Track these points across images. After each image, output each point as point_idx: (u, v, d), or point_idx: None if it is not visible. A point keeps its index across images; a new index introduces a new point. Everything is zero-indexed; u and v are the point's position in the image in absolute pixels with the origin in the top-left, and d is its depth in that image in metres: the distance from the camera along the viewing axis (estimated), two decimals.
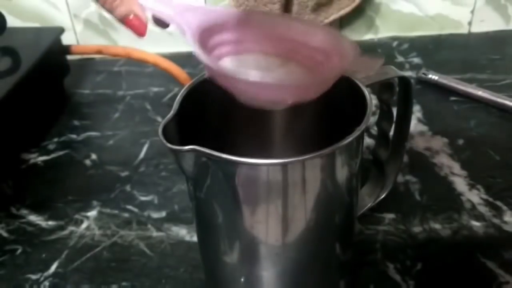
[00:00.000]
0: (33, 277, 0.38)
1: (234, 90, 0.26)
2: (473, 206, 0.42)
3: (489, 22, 0.70)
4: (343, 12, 0.64)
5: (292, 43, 0.29)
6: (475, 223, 0.40)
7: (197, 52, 0.25)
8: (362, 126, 0.26)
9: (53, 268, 0.39)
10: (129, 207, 0.44)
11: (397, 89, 0.34)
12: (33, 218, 0.43)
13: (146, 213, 0.43)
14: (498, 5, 0.68)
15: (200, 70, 0.64)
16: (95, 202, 0.45)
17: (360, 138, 0.28)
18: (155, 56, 0.57)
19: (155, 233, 0.41)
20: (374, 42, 0.70)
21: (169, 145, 0.26)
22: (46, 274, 0.38)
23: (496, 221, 0.40)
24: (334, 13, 0.64)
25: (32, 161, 0.50)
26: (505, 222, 0.40)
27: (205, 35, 0.28)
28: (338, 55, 0.27)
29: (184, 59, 0.65)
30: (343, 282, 0.34)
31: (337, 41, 0.28)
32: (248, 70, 0.28)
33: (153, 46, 0.65)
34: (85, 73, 0.66)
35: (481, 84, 0.57)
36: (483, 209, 0.41)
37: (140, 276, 0.37)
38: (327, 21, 0.65)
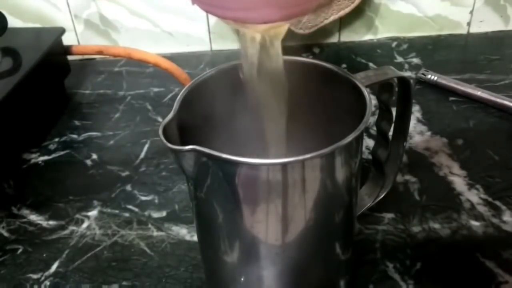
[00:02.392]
0: (34, 276, 0.38)
1: (220, 11, 0.25)
2: (472, 206, 0.42)
3: (488, 23, 0.70)
4: (342, 12, 0.64)
5: None
6: (474, 223, 0.40)
7: None
8: (362, 126, 0.27)
9: (53, 267, 0.39)
10: (130, 206, 0.44)
11: (396, 89, 0.34)
12: (34, 217, 0.44)
13: (146, 213, 0.43)
14: (497, 5, 0.69)
15: (200, 70, 0.65)
16: (95, 202, 0.45)
17: (359, 138, 0.28)
18: (156, 57, 0.57)
19: (155, 233, 0.41)
20: (373, 42, 0.70)
21: (169, 145, 0.26)
22: (47, 273, 0.38)
23: (495, 220, 0.40)
24: (334, 14, 0.64)
25: (33, 161, 0.51)
26: (504, 222, 0.40)
27: None
28: None
29: (184, 60, 0.65)
30: (342, 281, 0.34)
31: None
32: None
33: (154, 47, 0.65)
34: (86, 74, 0.66)
35: (480, 84, 0.57)
36: (482, 208, 0.41)
37: (141, 276, 0.38)
38: (327, 21, 0.65)
